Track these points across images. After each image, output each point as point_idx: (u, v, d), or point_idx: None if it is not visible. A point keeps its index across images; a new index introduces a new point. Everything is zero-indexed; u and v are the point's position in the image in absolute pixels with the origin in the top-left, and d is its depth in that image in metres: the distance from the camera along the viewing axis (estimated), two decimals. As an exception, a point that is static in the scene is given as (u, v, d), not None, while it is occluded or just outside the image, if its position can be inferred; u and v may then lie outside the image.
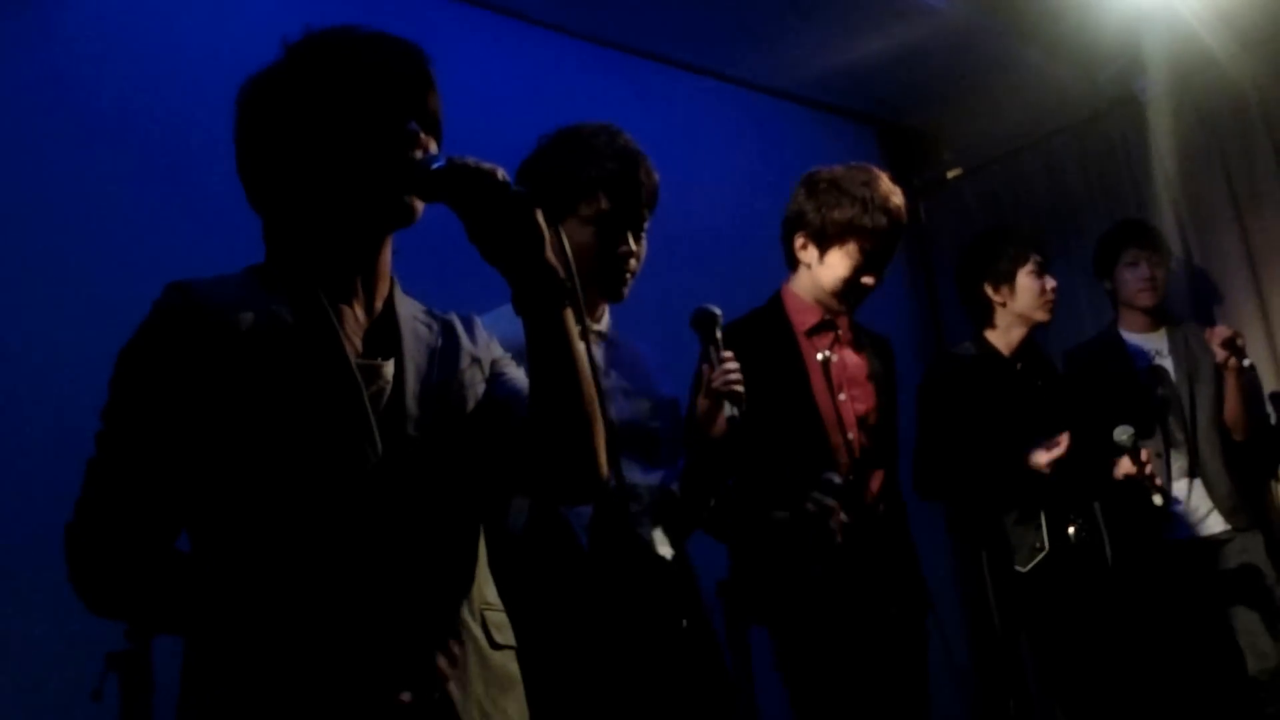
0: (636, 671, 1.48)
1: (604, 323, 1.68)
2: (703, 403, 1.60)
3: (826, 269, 1.99)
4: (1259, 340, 3.09)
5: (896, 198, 1.98)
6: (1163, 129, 3.34)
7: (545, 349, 1.04)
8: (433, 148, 1.05)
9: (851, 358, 2.04)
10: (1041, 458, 2.27)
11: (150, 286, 1.04)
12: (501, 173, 0.98)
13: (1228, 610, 2.65)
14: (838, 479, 1.84)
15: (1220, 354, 2.64)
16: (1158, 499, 2.48)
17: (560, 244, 1.01)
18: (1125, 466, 2.43)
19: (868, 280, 1.99)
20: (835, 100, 3.68)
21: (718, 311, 1.64)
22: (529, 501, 1.53)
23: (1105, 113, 3.49)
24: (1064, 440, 2.27)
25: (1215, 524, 2.67)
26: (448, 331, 1.14)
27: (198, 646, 1.00)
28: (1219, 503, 2.67)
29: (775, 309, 2.04)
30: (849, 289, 1.99)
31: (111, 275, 2.10)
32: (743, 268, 2.19)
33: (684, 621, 1.56)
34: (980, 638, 2.39)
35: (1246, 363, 2.64)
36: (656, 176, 1.63)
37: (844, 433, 1.96)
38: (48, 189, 2.16)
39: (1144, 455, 2.42)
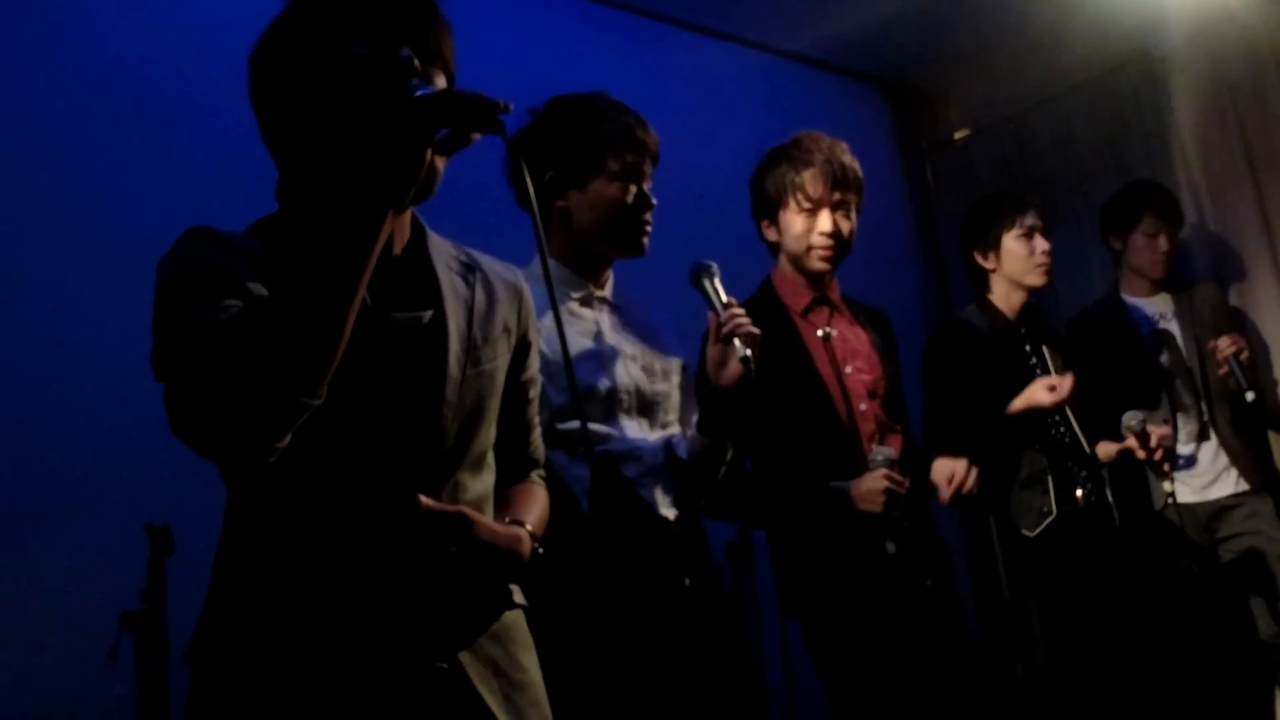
0: (639, 632, 1.49)
1: (608, 288, 1.69)
2: (713, 349, 1.60)
3: (787, 236, 2.01)
4: (1274, 304, 3.04)
5: (825, 143, 1.98)
6: (1177, 88, 3.26)
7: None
8: (439, 81, 1.02)
9: (851, 331, 2.04)
10: (1044, 395, 2.25)
11: (161, 238, 1.03)
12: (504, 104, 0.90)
13: (1237, 574, 2.64)
14: (891, 451, 1.85)
15: (1221, 368, 2.59)
16: (1168, 486, 2.47)
17: (531, 199, 0.98)
18: (1133, 444, 2.38)
19: (825, 228, 1.96)
20: (842, 61, 3.62)
21: (712, 263, 1.65)
22: None
23: (1117, 71, 3.42)
24: (1069, 380, 2.25)
25: (1224, 487, 2.65)
26: (486, 288, 1.12)
27: (219, 604, 0.99)
28: (1235, 463, 2.65)
29: (767, 293, 2.05)
30: (815, 243, 1.97)
31: (123, 230, 2.09)
32: (749, 231, 2.17)
33: (687, 581, 1.57)
34: (988, 603, 2.40)
35: (1249, 396, 2.53)
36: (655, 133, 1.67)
37: (856, 405, 1.95)
38: (57, 141, 2.14)
39: (1154, 440, 2.38)
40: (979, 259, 2.50)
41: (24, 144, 2.11)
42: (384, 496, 0.99)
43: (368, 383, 0.98)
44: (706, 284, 1.62)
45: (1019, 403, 2.30)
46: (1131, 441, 2.38)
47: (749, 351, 1.55)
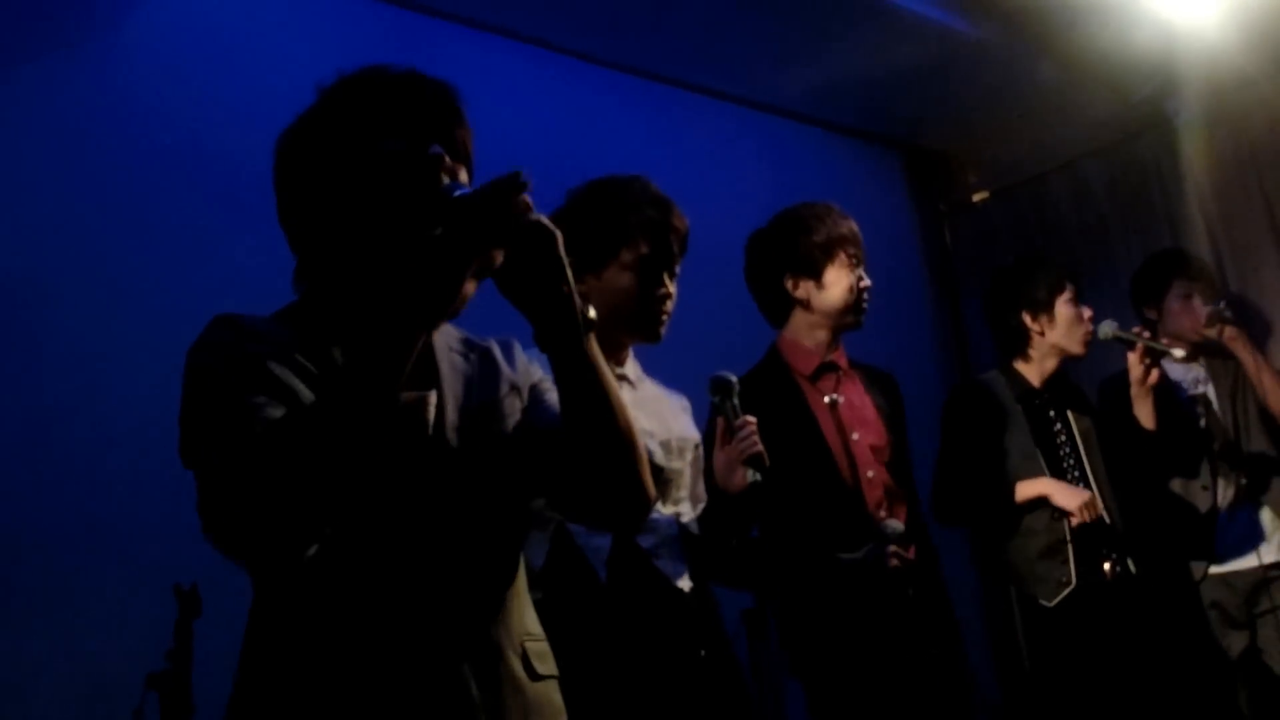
0: (656, 702, 1.50)
1: (627, 366, 1.72)
2: (720, 458, 1.65)
3: (829, 290, 2.05)
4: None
5: (843, 211, 2.12)
6: (1197, 152, 3.29)
7: (577, 383, 1.02)
8: (462, 176, 1.04)
9: (858, 396, 2.07)
10: (1072, 502, 2.25)
11: (205, 311, 1.05)
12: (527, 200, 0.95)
13: (1271, 648, 2.57)
14: (900, 525, 1.89)
15: (1213, 333, 2.60)
16: (1178, 352, 2.46)
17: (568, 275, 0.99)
18: (1134, 358, 2.40)
19: (867, 283, 2.07)
20: (860, 124, 3.68)
21: (734, 379, 1.71)
22: (548, 536, 1.55)
23: (1137, 135, 3.45)
24: (1096, 504, 2.26)
25: (1266, 555, 2.58)
26: (486, 360, 1.13)
27: (251, 660, 1.00)
28: (1273, 528, 2.59)
29: (774, 361, 2.08)
30: (857, 298, 2.05)
31: (172, 302, 2.13)
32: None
33: (702, 652, 1.58)
34: (1009, 673, 2.35)
35: (1221, 304, 2.63)
36: (688, 222, 1.71)
37: (863, 472, 1.97)
38: (112, 215, 2.22)
39: (1136, 330, 2.43)
40: (1027, 320, 2.44)
41: (80, 208, 2.18)
42: (393, 565, 0.99)
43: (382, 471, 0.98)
44: (724, 400, 1.68)
45: (1048, 489, 2.29)
46: (1131, 356, 2.40)
47: (758, 476, 1.60)
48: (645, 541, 1.58)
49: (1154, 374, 2.41)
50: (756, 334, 2.16)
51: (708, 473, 1.72)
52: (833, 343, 2.08)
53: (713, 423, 1.77)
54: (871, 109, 3.56)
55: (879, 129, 3.73)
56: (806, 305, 2.06)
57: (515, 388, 1.13)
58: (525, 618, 1.09)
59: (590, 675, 1.45)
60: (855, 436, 2.00)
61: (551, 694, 1.09)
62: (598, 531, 1.55)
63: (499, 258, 0.98)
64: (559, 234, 0.96)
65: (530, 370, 1.16)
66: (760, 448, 1.62)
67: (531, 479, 1.09)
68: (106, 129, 2.28)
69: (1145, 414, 2.44)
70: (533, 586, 1.53)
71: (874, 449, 2.01)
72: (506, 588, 1.07)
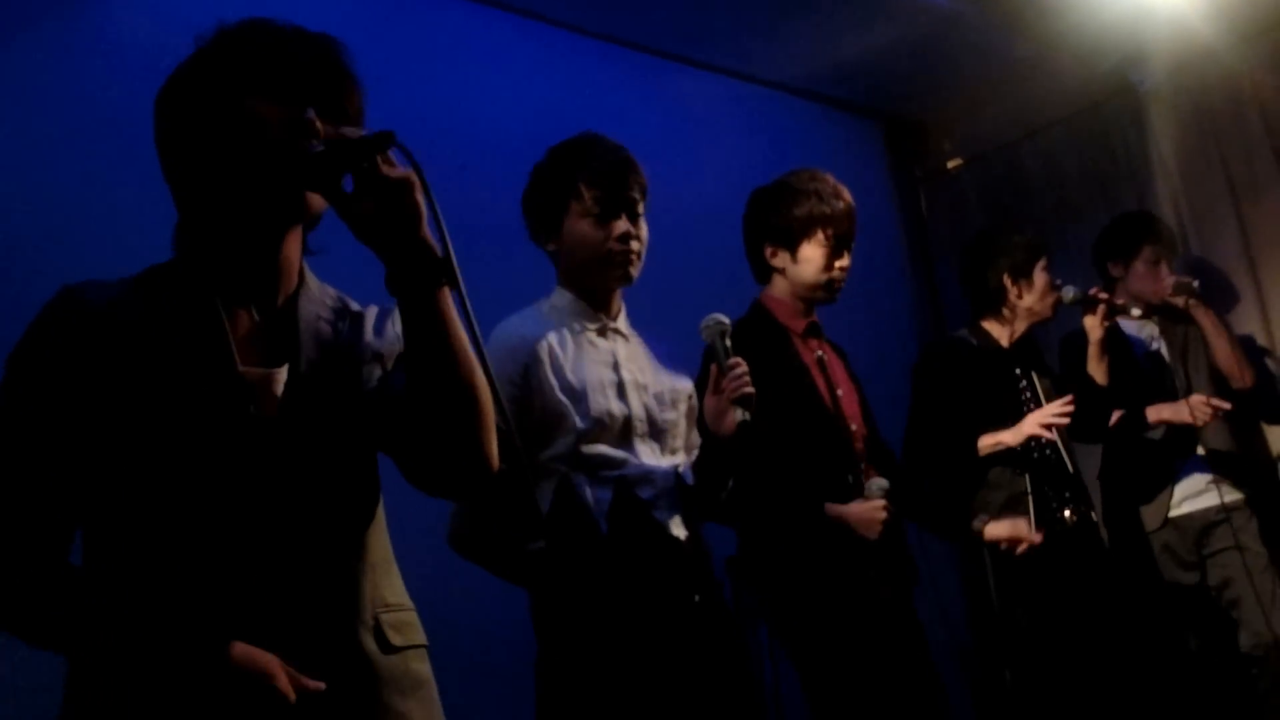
0: (653, 644, 1.58)
1: (620, 319, 1.77)
2: (711, 402, 1.69)
3: (803, 265, 2.10)
4: (1257, 330, 3.16)
5: (842, 186, 2.13)
6: (1161, 120, 3.39)
7: (420, 330, 0.98)
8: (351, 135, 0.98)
9: (834, 360, 2.16)
10: (1018, 437, 2.37)
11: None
12: (391, 137, 0.93)
13: (1221, 587, 2.72)
14: (885, 482, 1.96)
15: (1178, 302, 2.74)
16: (1136, 311, 2.67)
17: (439, 223, 0.95)
18: (1093, 320, 2.54)
19: (843, 264, 2.09)
20: (838, 93, 3.74)
21: (726, 320, 1.74)
22: (553, 488, 1.61)
23: (1104, 104, 3.55)
24: (1040, 429, 2.36)
25: (1213, 499, 2.72)
26: (355, 327, 1.09)
27: (79, 665, 0.98)
28: (1225, 477, 2.73)
29: (762, 316, 2.13)
30: (836, 277, 2.10)
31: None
32: (746, 262, 2.27)
33: (696, 597, 1.66)
34: (979, 613, 2.49)
35: (1195, 283, 2.77)
36: (643, 170, 1.74)
37: (849, 424, 2.06)
38: (86, 195, 2.20)
39: (1093, 292, 2.58)
40: (1007, 281, 2.56)
41: (46, 196, 2.17)
42: (233, 548, 0.97)
43: (210, 439, 0.98)
44: (718, 341, 1.71)
45: (1000, 437, 2.41)
46: (1089, 318, 2.54)
47: (747, 415, 1.64)
48: (645, 493, 1.65)
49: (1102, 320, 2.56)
50: (736, 297, 2.21)
51: (699, 417, 1.77)
52: (808, 310, 2.15)
53: (705, 368, 1.78)
54: (852, 80, 3.63)
55: (858, 98, 3.80)
56: (783, 274, 2.13)
57: (378, 355, 1.08)
58: (382, 589, 1.06)
59: (591, 621, 1.56)
60: (840, 393, 2.09)
61: (410, 664, 1.05)
62: (600, 484, 1.61)
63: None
64: (414, 181, 0.94)
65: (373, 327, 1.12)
66: (751, 389, 1.65)
67: (379, 443, 1.06)
68: (99, 92, 2.27)
69: (1100, 371, 2.58)
70: (535, 536, 1.63)
71: (855, 405, 2.11)
72: (352, 561, 1.04)
